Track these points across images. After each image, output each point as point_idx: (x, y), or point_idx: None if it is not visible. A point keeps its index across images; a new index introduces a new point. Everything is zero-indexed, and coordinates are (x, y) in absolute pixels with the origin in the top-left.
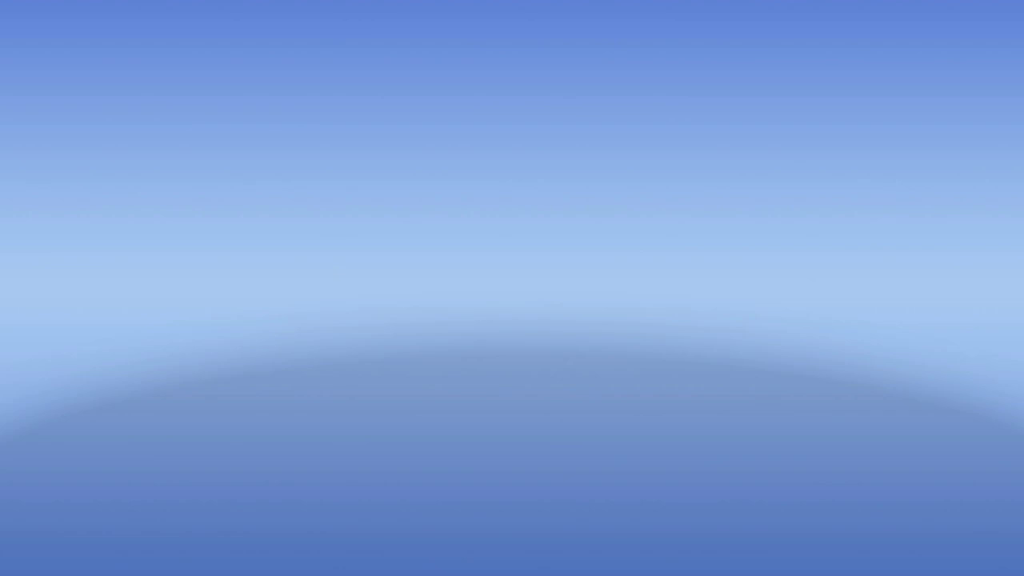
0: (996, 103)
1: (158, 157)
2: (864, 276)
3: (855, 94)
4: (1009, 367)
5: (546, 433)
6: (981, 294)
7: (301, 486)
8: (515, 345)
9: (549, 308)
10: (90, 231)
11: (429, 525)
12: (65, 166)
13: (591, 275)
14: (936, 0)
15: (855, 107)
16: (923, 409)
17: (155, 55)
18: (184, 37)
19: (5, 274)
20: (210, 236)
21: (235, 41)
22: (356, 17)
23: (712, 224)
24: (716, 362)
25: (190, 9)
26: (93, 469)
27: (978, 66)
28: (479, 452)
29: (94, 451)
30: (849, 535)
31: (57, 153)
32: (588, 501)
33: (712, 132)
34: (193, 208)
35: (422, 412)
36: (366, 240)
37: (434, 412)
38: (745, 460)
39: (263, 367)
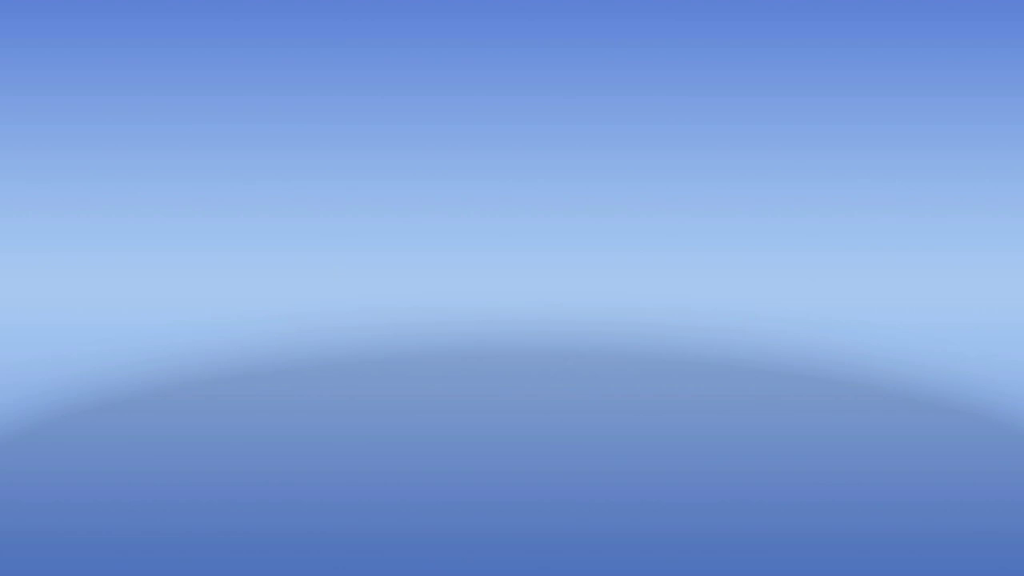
0: (996, 103)
1: (158, 157)
2: (864, 276)
3: (855, 94)
4: (1009, 367)
5: (546, 433)
6: (981, 294)
7: (301, 486)
8: (515, 345)
9: (549, 308)
10: (90, 231)
11: (429, 525)
12: (65, 166)
13: (591, 275)
14: (936, 0)
15: (855, 107)
16: (923, 409)
17: (155, 55)
18: (184, 37)
19: (5, 274)
20: (210, 236)
21: (235, 41)
22: (356, 17)
23: (712, 224)
24: (716, 362)
25: (190, 9)
26: (93, 469)
27: (978, 66)
28: (479, 452)
29: (94, 451)
30: (849, 535)
31: (57, 153)
32: (588, 501)
33: (712, 132)
34: (193, 208)
35: (422, 412)
36: (366, 240)
37: (434, 412)
38: (745, 460)
39: (263, 367)
